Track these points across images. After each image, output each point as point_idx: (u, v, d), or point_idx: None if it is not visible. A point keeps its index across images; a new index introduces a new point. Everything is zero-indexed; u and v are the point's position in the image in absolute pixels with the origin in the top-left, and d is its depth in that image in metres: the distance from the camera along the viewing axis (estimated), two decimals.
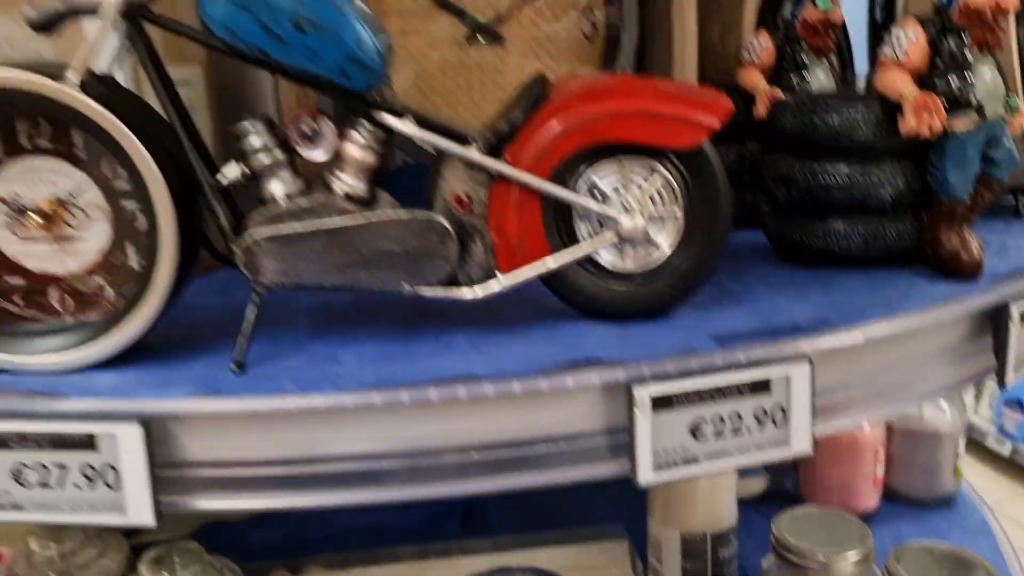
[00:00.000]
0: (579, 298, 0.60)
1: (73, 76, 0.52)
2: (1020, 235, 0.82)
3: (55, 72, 0.53)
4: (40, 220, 0.56)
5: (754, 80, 0.84)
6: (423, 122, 0.56)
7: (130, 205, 0.57)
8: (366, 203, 0.58)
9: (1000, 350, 0.64)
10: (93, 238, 0.58)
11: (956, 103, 0.67)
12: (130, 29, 0.54)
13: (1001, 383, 0.64)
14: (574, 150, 0.57)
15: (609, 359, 0.52)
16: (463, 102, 0.82)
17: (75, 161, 0.56)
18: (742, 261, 0.76)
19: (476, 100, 0.83)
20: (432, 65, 0.82)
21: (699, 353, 0.54)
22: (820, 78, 0.85)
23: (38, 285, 0.59)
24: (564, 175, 0.58)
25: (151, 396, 0.51)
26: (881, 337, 0.57)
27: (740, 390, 0.53)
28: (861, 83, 0.94)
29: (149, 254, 0.56)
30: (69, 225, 0.57)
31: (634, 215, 0.58)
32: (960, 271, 0.69)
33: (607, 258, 0.60)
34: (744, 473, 1.23)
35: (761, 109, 0.81)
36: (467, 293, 0.58)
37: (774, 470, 1.24)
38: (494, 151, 0.57)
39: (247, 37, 0.53)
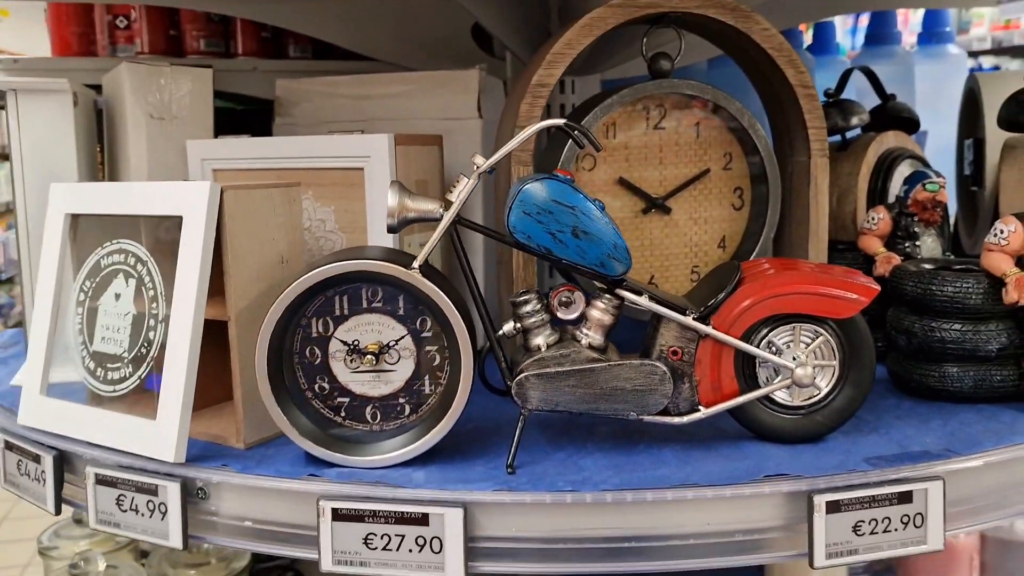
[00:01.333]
0: (757, 425, 0.80)
1: (416, 264, 0.76)
2: None
3: (405, 260, 0.76)
4: (372, 359, 0.79)
5: (873, 246, 1.05)
6: (653, 297, 0.77)
7: (431, 349, 0.80)
8: (603, 351, 0.79)
9: None
10: (401, 371, 0.80)
11: None
12: (451, 229, 0.78)
13: None
14: (762, 319, 0.78)
15: (794, 473, 0.72)
16: (637, 259, 1.04)
17: (396, 317, 0.79)
18: (871, 394, 0.95)
19: (647, 257, 1.05)
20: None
21: (859, 471, 0.73)
22: (928, 244, 1.05)
23: (357, 403, 0.81)
24: (751, 334, 0.79)
25: (463, 488, 0.72)
26: (995, 462, 0.75)
27: (890, 499, 0.71)
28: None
29: (449, 385, 0.78)
30: (387, 362, 0.80)
31: (805, 366, 0.78)
32: None
33: (781, 396, 0.80)
34: None
35: (880, 270, 1.02)
36: (676, 420, 0.78)
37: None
38: (704, 318, 0.78)
39: (539, 240, 0.75)
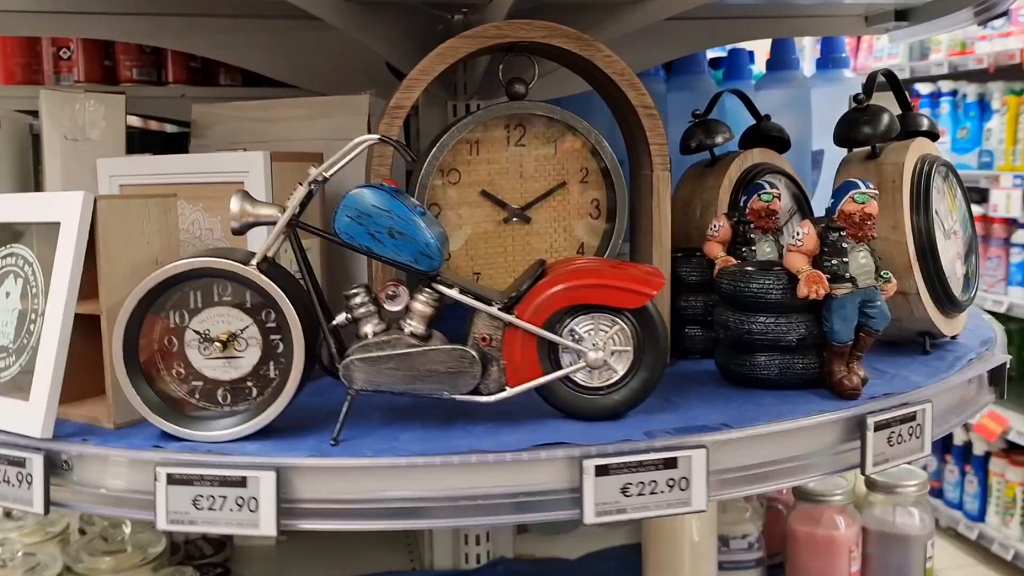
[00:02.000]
0: (562, 404, 0.90)
1: (255, 261, 0.87)
2: (911, 368, 1.08)
3: (245, 257, 0.87)
4: (220, 346, 0.90)
5: (714, 251, 1.15)
6: (463, 290, 0.88)
7: (275, 338, 0.90)
8: (425, 338, 0.89)
9: (862, 448, 0.90)
10: (249, 357, 0.91)
11: (836, 276, 0.96)
12: (289, 231, 0.88)
13: (863, 471, 0.90)
14: (560, 308, 0.88)
15: (570, 442, 0.82)
16: (499, 264, 1.14)
17: (244, 309, 0.90)
18: (695, 382, 1.04)
19: (509, 262, 1.16)
20: (478, 237, 1.15)
21: (630, 440, 0.82)
22: (764, 249, 1.15)
23: (210, 386, 0.91)
24: (555, 323, 0.89)
25: (282, 455, 0.82)
26: (760, 434, 0.85)
27: (656, 464, 0.81)
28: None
29: (284, 369, 0.88)
30: (236, 350, 0.91)
31: (597, 351, 0.88)
32: (843, 394, 0.96)
33: (581, 378, 0.90)
34: (740, 567, 1.47)
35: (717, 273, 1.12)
36: (484, 399, 0.88)
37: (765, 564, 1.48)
38: (508, 308, 0.88)
39: (360, 240, 0.86)
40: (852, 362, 0.99)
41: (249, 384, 0.91)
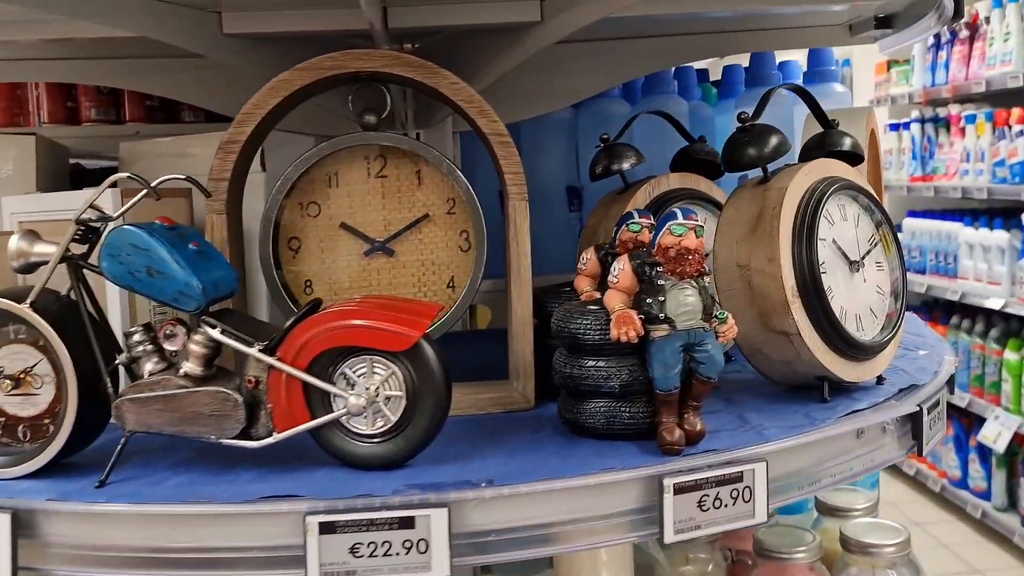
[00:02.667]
0: (336, 451, 0.85)
1: (29, 299, 0.87)
2: (784, 418, 0.96)
3: (20, 295, 0.88)
4: (11, 383, 0.90)
5: (580, 285, 1.07)
6: (225, 331, 0.85)
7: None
8: (203, 379, 0.87)
9: (660, 513, 0.80)
10: (45, 394, 0.91)
11: (651, 317, 0.87)
12: (70, 270, 0.89)
13: (661, 540, 0.80)
14: (324, 349, 0.84)
15: (299, 495, 0.77)
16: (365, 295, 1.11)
17: (38, 347, 0.91)
18: (528, 428, 0.97)
19: (373, 294, 1.12)
20: (341, 272, 1.11)
21: (370, 496, 0.77)
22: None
23: (12, 422, 0.92)
24: (328, 365, 0.85)
25: (32, 496, 0.81)
26: (527, 493, 0.77)
27: (390, 523, 0.75)
28: None
29: (63, 409, 0.88)
30: (32, 387, 0.91)
31: (359, 396, 0.83)
32: (661, 449, 0.86)
33: (357, 424, 0.85)
34: None
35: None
36: (251, 444, 0.85)
37: None
38: (270, 350, 0.84)
39: (122, 278, 0.85)
40: (687, 412, 0.89)
41: (47, 422, 0.92)
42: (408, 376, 0.84)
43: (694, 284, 0.88)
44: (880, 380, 1.10)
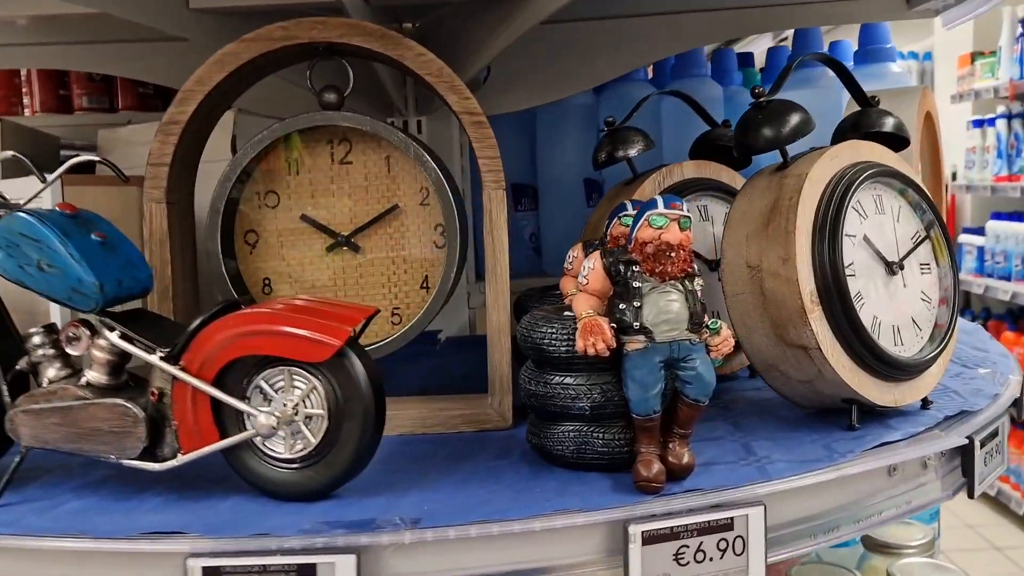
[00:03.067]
0: (253, 477, 0.73)
1: None
2: (802, 450, 0.79)
3: None
4: None
5: (566, 287, 0.92)
6: (125, 335, 0.74)
7: None
8: (107, 390, 0.76)
9: (625, 566, 0.66)
10: None
11: (626, 326, 0.72)
12: None
13: None
14: (233, 359, 0.71)
15: (185, 531, 0.65)
16: (327, 296, 0.98)
17: None
18: (489, 453, 0.83)
19: (340, 297, 0.99)
20: (303, 269, 0.99)
21: (267, 536, 0.64)
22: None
23: None
24: (242, 377, 0.72)
25: None
26: (432, 540, 0.63)
27: (286, 571, 0.62)
28: None
29: None
30: None
31: (271, 414, 0.70)
32: (636, 485, 0.71)
33: (272, 446, 0.72)
34: None
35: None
36: (153, 466, 0.73)
37: None
38: (174, 358, 0.72)
39: (11, 272, 0.75)
40: (673, 440, 0.74)
41: None
42: (331, 392, 0.71)
43: (678, 287, 0.72)
44: (926, 404, 0.93)
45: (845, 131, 0.97)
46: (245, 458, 0.73)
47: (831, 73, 1.42)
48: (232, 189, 0.96)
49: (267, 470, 0.73)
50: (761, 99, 0.90)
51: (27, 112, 1.57)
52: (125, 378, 0.77)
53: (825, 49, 1.50)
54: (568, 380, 0.76)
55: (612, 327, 0.72)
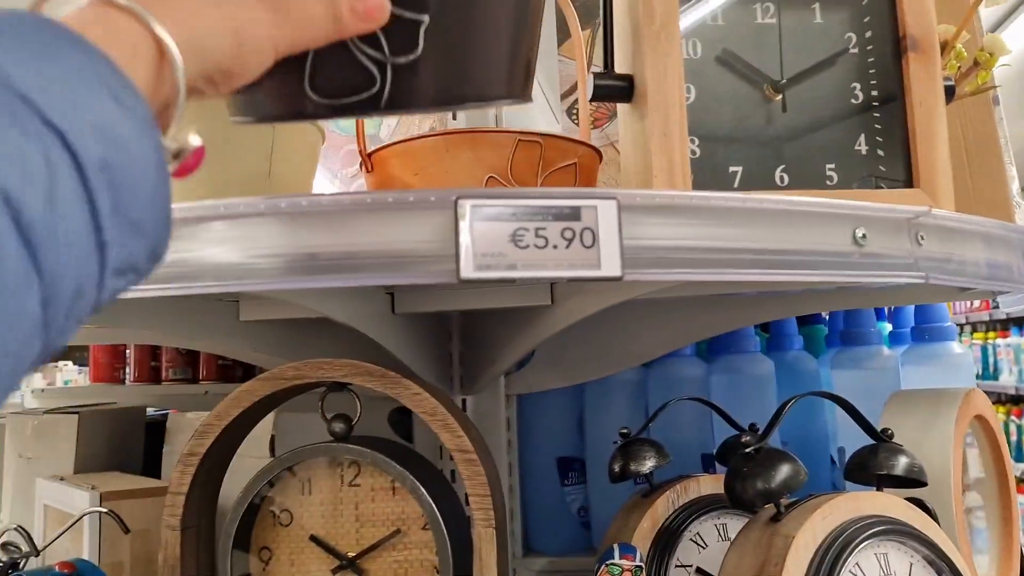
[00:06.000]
0: None
1: None
2: None
3: None
4: None
5: None
6: None
7: None
8: None
9: None
10: None
11: None
12: None
13: None
14: None
15: None
16: None
17: None
18: None
19: None
20: None
21: None
22: None
23: None
24: None
25: None
26: None
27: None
28: None
29: None
30: None
31: None
32: None
33: None
34: None
35: None
36: None
37: None
38: None
39: None
40: None
41: None
42: None
43: None
44: None
45: (853, 471, 0.92)
46: None
47: (886, 351, 1.38)
48: (245, 513, 1.01)
49: None
50: (750, 448, 0.88)
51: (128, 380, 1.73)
52: None
53: (874, 323, 1.46)
54: None
55: None
